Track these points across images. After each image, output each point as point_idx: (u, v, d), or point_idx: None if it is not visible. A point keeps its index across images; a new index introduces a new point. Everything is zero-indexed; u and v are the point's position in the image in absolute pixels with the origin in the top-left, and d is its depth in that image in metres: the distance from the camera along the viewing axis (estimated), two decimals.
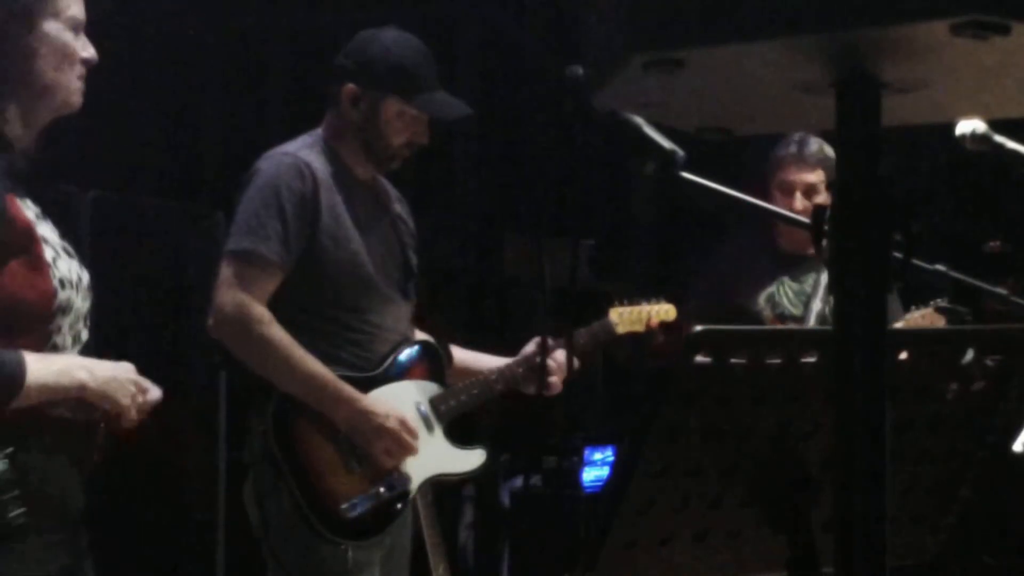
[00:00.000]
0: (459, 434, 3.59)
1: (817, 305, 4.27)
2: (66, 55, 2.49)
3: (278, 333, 3.27)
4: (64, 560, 2.49)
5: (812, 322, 4.25)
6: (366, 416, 3.34)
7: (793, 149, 4.15)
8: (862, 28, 1.09)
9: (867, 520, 1.26)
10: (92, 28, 2.58)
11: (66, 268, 2.43)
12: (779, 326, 4.10)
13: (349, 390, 3.34)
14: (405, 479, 3.41)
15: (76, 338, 2.47)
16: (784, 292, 4.28)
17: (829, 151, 4.16)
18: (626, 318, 3.79)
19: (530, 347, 3.63)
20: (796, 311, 4.26)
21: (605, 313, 3.77)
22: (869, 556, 1.26)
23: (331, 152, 3.45)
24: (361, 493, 3.35)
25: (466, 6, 7.09)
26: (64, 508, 2.48)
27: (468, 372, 3.65)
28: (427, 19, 4.37)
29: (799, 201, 4.15)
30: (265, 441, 3.31)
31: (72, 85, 2.51)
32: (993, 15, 1.05)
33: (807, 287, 4.29)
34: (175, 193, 6.53)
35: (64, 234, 2.54)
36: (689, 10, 1.15)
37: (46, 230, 2.46)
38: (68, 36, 2.49)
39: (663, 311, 3.87)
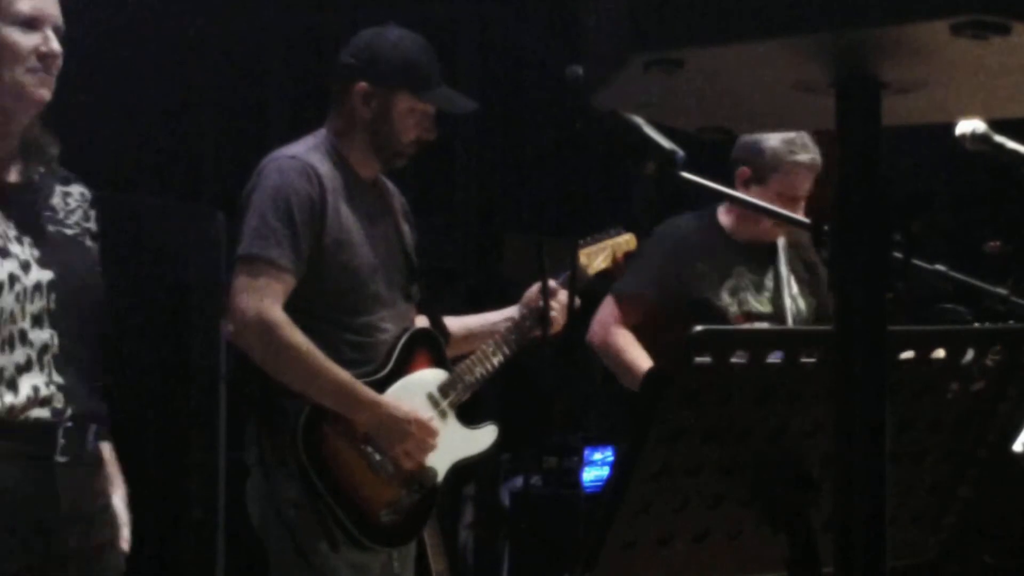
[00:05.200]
0: (468, 414, 3.61)
1: (789, 304, 4.16)
2: (5, 50, 2.48)
3: (300, 338, 3.27)
4: (11, 557, 2.47)
5: (790, 322, 4.15)
6: (388, 421, 3.35)
7: (808, 156, 3.98)
8: (862, 28, 1.09)
9: (867, 520, 1.26)
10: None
11: None
12: (746, 325, 4.01)
13: (370, 394, 3.35)
14: (432, 474, 3.45)
15: (10, 340, 2.45)
16: (746, 286, 4.16)
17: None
18: (594, 258, 3.77)
19: (530, 293, 3.62)
20: (763, 308, 4.13)
21: (576, 258, 3.73)
22: (869, 556, 1.26)
23: (335, 153, 3.45)
24: (394, 497, 3.38)
25: (466, 6, 7.09)
26: (12, 509, 2.47)
27: (467, 340, 3.65)
28: (427, 19, 4.37)
29: (801, 210, 4.02)
30: (291, 451, 3.30)
31: (18, 79, 2.50)
32: (993, 15, 1.05)
33: (767, 281, 4.16)
34: (175, 193, 6.53)
35: (22, 233, 2.52)
36: (689, 10, 1.15)
37: None
38: (8, 31, 2.49)
39: (625, 241, 3.84)
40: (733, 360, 1.72)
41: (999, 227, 5.01)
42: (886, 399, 1.26)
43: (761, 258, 4.15)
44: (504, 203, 7.24)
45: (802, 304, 4.17)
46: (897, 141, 1.34)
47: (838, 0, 1.09)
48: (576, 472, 5.42)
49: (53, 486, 2.51)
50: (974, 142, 2.90)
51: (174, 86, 6.51)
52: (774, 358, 1.78)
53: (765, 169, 3.99)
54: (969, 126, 2.89)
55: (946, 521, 2.02)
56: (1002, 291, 3.02)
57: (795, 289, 4.17)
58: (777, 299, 4.12)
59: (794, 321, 4.12)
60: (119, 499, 2.73)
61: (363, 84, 3.44)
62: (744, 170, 4.03)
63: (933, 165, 5.96)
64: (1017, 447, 2.79)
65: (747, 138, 3.94)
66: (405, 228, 3.60)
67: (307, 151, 3.42)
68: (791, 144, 3.98)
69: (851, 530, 1.26)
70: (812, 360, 1.78)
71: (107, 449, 2.74)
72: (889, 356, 1.26)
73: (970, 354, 1.87)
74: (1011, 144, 2.90)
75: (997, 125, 2.88)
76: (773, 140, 3.98)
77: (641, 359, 4.07)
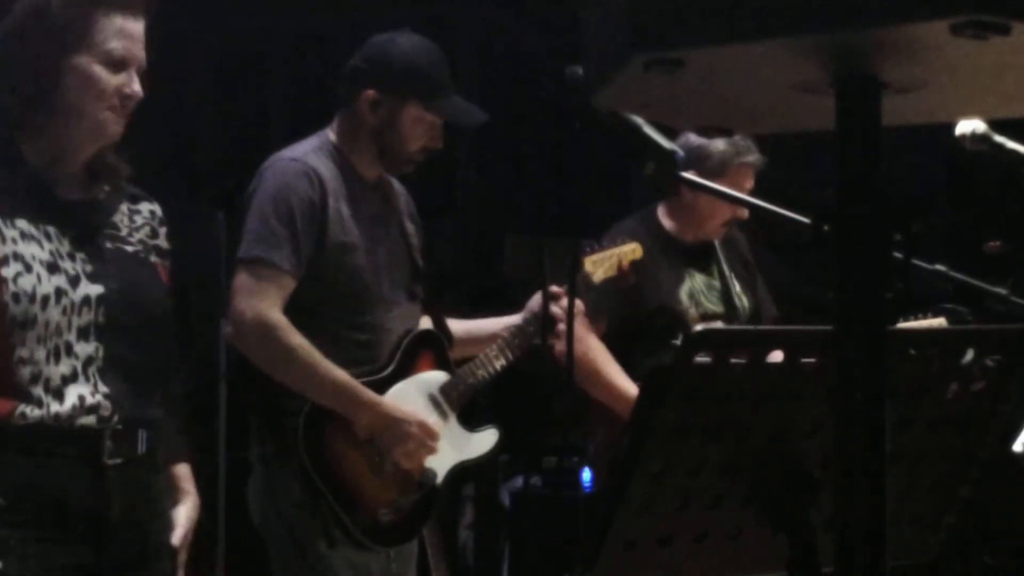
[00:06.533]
0: (469, 417, 3.61)
1: (738, 302, 4.19)
2: (92, 86, 2.53)
3: (298, 340, 3.27)
4: (62, 560, 2.48)
5: (742, 319, 4.18)
6: (388, 421, 3.35)
7: (754, 157, 4.04)
8: (862, 28, 1.09)
9: (867, 520, 1.26)
10: None
11: (29, 283, 2.44)
12: (704, 325, 4.00)
13: (370, 395, 3.35)
14: (432, 476, 3.45)
15: (56, 352, 2.47)
16: (699, 288, 4.18)
17: None
18: (600, 265, 3.75)
19: (535, 299, 3.58)
20: (717, 308, 4.14)
21: (580, 265, 3.71)
22: (869, 556, 1.26)
23: (339, 155, 3.44)
24: (393, 497, 3.38)
25: (466, 6, 7.09)
26: (47, 507, 2.47)
27: (470, 343, 3.65)
28: (427, 19, 4.37)
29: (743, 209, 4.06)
30: (292, 451, 3.30)
31: (99, 116, 2.56)
32: (993, 15, 1.05)
33: (714, 280, 4.19)
34: (175, 193, 6.52)
35: (76, 249, 2.56)
36: (689, 10, 1.15)
37: (32, 248, 2.48)
38: (97, 69, 2.54)
39: (631, 250, 3.82)
40: (733, 360, 1.72)
41: (999, 227, 5.01)
42: (886, 399, 1.26)
43: (705, 258, 4.20)
44: (504, 204, 7.24)
45: (746, 302, 4.24)
46: (897, 141, 1.34)
47: (838, 0, 1.09)
48: (576, 472, 5.42)
49: (104, 489, 2.53)
50: (974, 142, 2.90)
51: (174, 86, 6.51)
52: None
53: (712, 172, 3.95)
54: (969, 126, 2.89)
55: (946, 521, 2.02)
56: (1002, 291, 3.03)
57: (738, 287, 4.23)
58: (727, 298, 4.18)
59: (743, 319, 4.16)
60: (183, 507, 2.76)
61: (372, 92, 3.42)
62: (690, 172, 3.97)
63: (933, 165, 5.96)
64: (1017, 447, 2.79)
65: (691, 141, 3.89)
66: (410, 228, 3.60)
67: (309, 153, 3.41)
68: (736, 146, 4.00)
69: (851, 530, 1.26)
70: (812, 360, 1.78)
71: (182, 467, 2.79)
72: (889, 356, 1.25)
73: (970, 354, 1.87)
74: (1011, 144, 2.90)
75: (997, 125, 2.88)
76: (719, 143, 3.99)
77: (621, 378, 4.04)
